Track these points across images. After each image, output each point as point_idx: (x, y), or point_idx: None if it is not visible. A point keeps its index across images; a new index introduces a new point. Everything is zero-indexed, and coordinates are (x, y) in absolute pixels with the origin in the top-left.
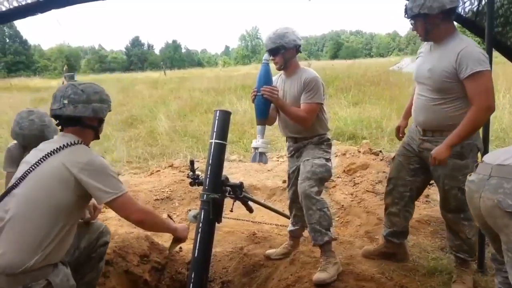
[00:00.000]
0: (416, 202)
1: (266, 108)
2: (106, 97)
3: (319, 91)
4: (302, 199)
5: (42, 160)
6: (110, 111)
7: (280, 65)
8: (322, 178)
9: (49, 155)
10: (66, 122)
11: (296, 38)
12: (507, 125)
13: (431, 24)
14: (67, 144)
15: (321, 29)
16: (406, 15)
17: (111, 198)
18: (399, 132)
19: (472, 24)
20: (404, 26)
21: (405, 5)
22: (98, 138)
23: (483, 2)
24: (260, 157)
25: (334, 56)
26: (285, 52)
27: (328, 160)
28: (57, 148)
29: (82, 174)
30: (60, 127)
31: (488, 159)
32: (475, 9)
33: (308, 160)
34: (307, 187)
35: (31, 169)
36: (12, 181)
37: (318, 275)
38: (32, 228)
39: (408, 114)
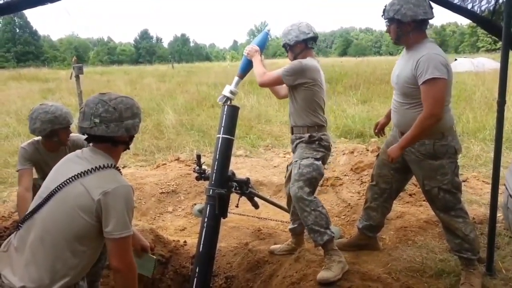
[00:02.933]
0: (424, 203)
1: (245, 65)
2: (137, 110)
3: (290, 68)
4: (295, 203)
5: (68, 181)
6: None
7: (291, 60)
8: (311, 178)
9: (76, 177)
10: (96, 139)
11: (299, 34)
12: None
13: (402, 30)
14: (97, 168)
15: (330, 26)
16: (383, 16)
17: (117, 237)
18: (376, 127)
19: (487, 23)
20: None
21: (385, 6)
22: (128, 149)
23: (500, 1)
24: (222, 99)
25: (343, 53)
26: (290, 48)
27: (317, 159)
28: (85, 171)
29: (103, 201)
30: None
31: None
32: (491, 7)
33: (296, 161)
34: (297, 190)
35: (56, 189)
36: (35, 201)
37: (322, 274)
38: (53, 254)
39: (390, 114)
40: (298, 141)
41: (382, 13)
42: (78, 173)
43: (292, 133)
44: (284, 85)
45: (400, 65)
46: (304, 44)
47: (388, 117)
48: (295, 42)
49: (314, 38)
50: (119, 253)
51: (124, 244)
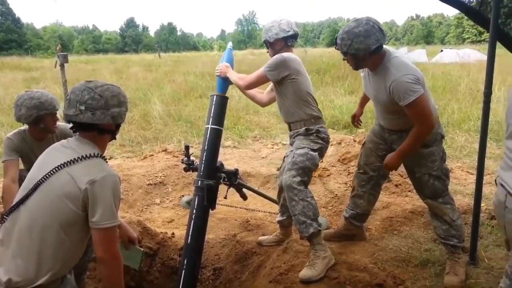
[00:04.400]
0: (410, 193)
1: (222, 84)
2: (123, 98)
3: (273, 63)
4: (285, 191)
5: (54, 171)
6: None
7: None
8: (304, 168)
9: (62, 166)
10: (81, 127)
11: (279, 31)
12: (502, 118)
13: (359, 60)
14: (83, 157)
15: (318, 16)
16: (336, 47)
17: (104, 227)
18: (355, 120)
19: (475, 14)
20: (401, 16)
21: (335, 37)
22: (114, 139)
23: None
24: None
25: (331, 44)
26: (270, 45)
27: (314, 150)
28: (71, 160)
29: (90, 190)
30: (74, 130)
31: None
32: None
33: (291, 151)
34: (288, 178)
35: (42, 179)
36: (21, 192)
37: (304, 272)
38: (39, 246)
39: (363, 103)
40: (296, 130)
41: (335, 45)
42: (64, 162)
43: (290, 130)
44: (266, 92)
45: (372, 87)
46: (283, 42)
47: (362, 106)
48: (274, 39)
49: (294, 36)
50: (105, 243)
51: (110, 234)
